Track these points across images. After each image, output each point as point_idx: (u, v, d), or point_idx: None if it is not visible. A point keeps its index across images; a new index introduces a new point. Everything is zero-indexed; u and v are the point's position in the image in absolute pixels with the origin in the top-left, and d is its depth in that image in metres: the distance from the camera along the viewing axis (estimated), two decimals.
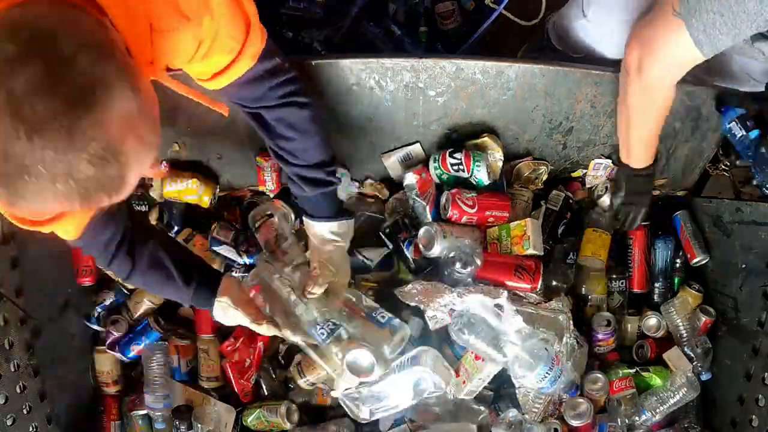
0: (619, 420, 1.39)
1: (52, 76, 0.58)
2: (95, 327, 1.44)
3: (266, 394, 1.43)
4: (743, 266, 1.36)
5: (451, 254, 1.26)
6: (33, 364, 1.27)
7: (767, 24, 0.92)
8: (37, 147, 0.58)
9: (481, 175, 1.32)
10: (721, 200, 1.43)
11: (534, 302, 1.30)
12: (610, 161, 1.44)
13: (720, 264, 1.44)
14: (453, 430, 1.37)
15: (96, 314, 1.44)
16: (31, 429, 1.24)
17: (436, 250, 1.28)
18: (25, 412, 1.23)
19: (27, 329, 1.26)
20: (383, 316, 1.21)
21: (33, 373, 1.26)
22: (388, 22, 1.81)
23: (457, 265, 1.24)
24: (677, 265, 1.49)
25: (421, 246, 1.32)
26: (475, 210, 1.31)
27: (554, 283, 1.34)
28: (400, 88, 1.27)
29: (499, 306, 1.22)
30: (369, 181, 1.45)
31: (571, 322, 1.30)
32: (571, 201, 1.44)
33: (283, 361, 1.46)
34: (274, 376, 1.45)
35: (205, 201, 1.40)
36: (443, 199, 1.34)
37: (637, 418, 1.39)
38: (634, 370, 1.43)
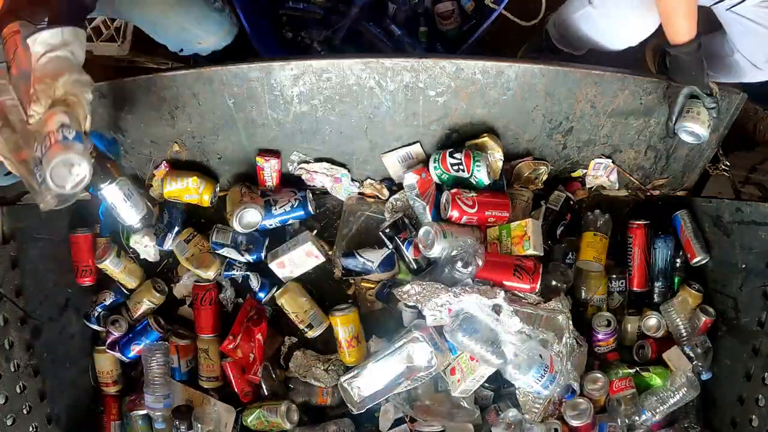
0: (619, 420, 1.39)
1: None
2: (95, 327, 1.44)
3: (266, 394, 1.43)
4: (743, 266, 1.36)
5: (453, 253, 1.26)
6: (33, 364, 1.27)
7: None
8: None
9: (481, 175, 1.32)
10: (721, 200, 1.43)
11: (533, 302, 1.30)
12: (610, 161, 1.44)
13: (720, 264, 1.44)
14: (451, 430, 1.38)
15: (96, 314, 1.44)
16: (31, 429, 1.24)
17: (436, 250, 1.28)
18: (25, 412, 1.23)
19: (27, 329, 1.26)
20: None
21: (33, 373, 1.27)
22: (388, 22, 1.81)
23: (458, 265, 1.24)
24: (677, 264, 1.49)
25: (421, 246, 1.32)
26: (475, 210, 1.31)
27: (554, 283, 1.34)
28: (400, 88, 1.27)
29: (496, 306, 1.22)
30: (369, 181, 1.45)
31: (571, 322, 1.30)
32: (571, 202, 1.44)
33: (283, 362, 1.46)
34: (274, 376, 1.45)
35: (206, 200, 1.40)
36: (443, 199, 1.34)
37: (637, 418, 1.39)
38: (634, 370, 1.43)
